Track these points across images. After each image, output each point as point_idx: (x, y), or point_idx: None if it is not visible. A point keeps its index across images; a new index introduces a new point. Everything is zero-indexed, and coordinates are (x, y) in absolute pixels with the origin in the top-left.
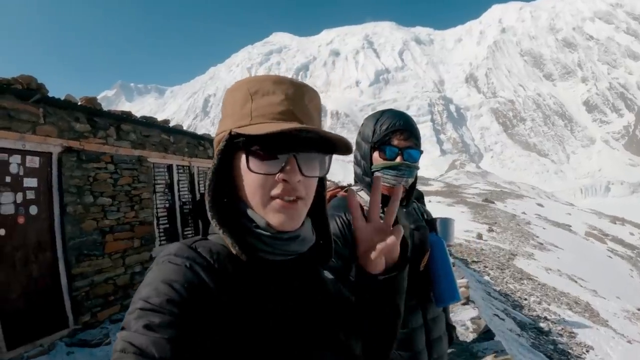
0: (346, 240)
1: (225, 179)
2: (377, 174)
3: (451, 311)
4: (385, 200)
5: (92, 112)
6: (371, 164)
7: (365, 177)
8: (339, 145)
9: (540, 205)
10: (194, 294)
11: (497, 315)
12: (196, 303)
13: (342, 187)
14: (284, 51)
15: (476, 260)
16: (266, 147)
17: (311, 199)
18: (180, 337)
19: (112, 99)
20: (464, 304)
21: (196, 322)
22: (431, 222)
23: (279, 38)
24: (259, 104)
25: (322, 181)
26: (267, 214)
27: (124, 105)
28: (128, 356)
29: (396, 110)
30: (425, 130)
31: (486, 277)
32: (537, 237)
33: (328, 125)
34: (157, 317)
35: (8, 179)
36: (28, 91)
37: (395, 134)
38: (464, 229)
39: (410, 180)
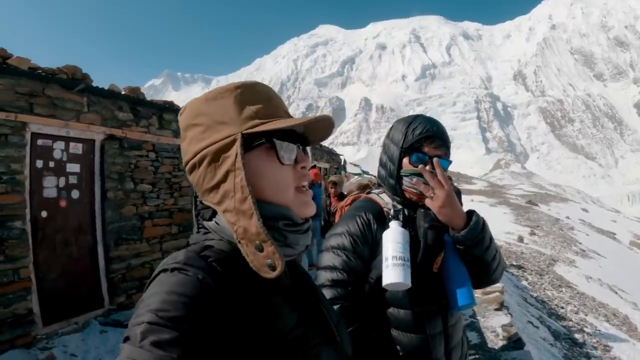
0: (365, 239)
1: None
2: (405, 179)
3: (483, 316)
4: (412, 205)
5: (135, 101)
6: (399, 167)
7: (390, 179)
8: (314, 138)
9: (585, 210)
10: (206, 309)
11: (532, 323)
12: (207, 318)
13: (363, 189)
14: (330, 43)
15: (515, 263)
16: (285, 140)
17: None
18: (190, 357)
19: (159, 88)
20: (496, 309)
21: (207, 339)
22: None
23: (325, 30)
24: (257, 107)
25: None
26: (295, 203)
27: (170, 94)
28: None
29: (429, 117)
30: (471, 128)
31: (524, 282)
32: (580, 243)
33: (373, 119)
34: (166, 334)
35: (52, 164)
36: (73, 81)
37: (426, 140)
38: (505, 230)
39: None
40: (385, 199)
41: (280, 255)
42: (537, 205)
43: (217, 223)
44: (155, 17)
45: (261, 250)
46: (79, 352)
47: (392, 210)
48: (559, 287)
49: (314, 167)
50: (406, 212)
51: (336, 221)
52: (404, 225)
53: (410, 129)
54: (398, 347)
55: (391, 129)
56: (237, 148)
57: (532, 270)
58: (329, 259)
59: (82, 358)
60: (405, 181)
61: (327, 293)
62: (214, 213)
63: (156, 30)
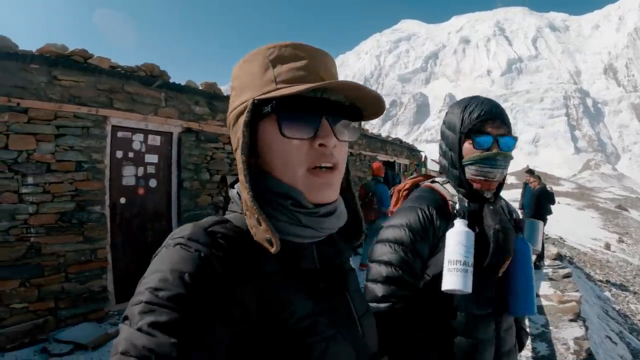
0: (426, 236)
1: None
2: (471, 167)
3: (555, 326)
4: (479, 196)
5: (211, 96)
6: (460, 155)
7: (453, 169)
8: (368, 110)
9: None
10: (206, 290)
11: (610, 338)
12: (208, 299)
13: (427, 177)
14: (412, 39)
15: (599, 272)
16: (298, 110)
17: (344, 169)
18: (189, 340)
19: None
20: (571, 320)
21: (208, 321)
22: (518, 223)
23: (408, 25)
24: (281, 69)
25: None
26: (305, 185)
27: None
28: None
29: (485, 97)
30: (559, 126)
31: (607, 293)
32: None
33: None
34: (164, 315)
35: (131, 154)
36: (151, 78)
37: (488, 121)
38: (592, 236)
39: (506, 172)
40: (450, 190)
41: (274, 234)
42: (627, 210)
43: (238, 193)
44: (240, 16)
45: (260, 224)
46: None
47: (457, 205)
48: None
49: (387, 163)
50: (471, 206)
51: (392, 205)
52: (469, 224)
53: (467, 112)
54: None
55: (447, 114)
56: (245, 115)
57: (617, 281)
58: (384, 252)
59: None
60: (470, 170)
61: (379, 290)
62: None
63: (241, 29)
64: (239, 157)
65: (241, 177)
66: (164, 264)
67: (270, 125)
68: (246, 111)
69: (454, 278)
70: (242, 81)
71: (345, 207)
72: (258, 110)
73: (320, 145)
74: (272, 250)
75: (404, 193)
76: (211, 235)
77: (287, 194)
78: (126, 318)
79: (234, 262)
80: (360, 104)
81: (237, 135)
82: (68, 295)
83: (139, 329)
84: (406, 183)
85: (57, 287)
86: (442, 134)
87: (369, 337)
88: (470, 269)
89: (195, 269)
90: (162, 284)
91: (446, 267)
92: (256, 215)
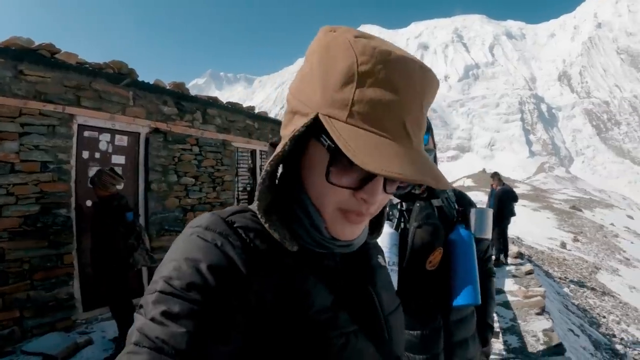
0: None
1: (288, 158)
2: None
3: (523, 320)
4: (411, 194)
5: (179, 96)
6: None
7: None
8: None
9: (630, 217)
10: (221, 279)
11: (572, 331)
12: (223, 290)
13: None
14: None
15: (557, 270)
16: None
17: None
18: (202, 330)
19: (202, 87)
20: (538, 313)
21: (222, 312)
22: (464, 213)
23: (367, 30)
24: (363, 95)
25: None
26: (330, 220)
27: (213, 93)
28: (143, 352)
29: None
30: (514, 130)
31: (565, 289)
32: (624, 251)
33: None
34: (177, 305)
35: (97, 155)
36: (119, 75)
37: None
38: (548, 236)
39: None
40: None
41: (282, 241)
42: (581, 210)
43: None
44: (199, 18)
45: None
46: None
47: (387, 208)
48: (602, 296)
49: None
50: (404, 206)
51: None
52: (398, 223)
53: None
54: None
55: None
56: (301, 123)
57: (574, 277)
58: None
59: (119, 343)
60: None
61: None
62: None
63: (200, 31)
64: (268, 161)
65: (259, 186)
66: (180, 252)
67: (321, 154)
68: (303, 121)
69: None
70: (315, 70)
71: None
72: (315, 127)
73: (362, 199)
74: (290, 249)
75: None
76: (229, 224)
77: (310, 215)
78: (141, 307)
79: (250, 251)
80: None
81: (287, 130)
82: (34, 304)
83: (152, 319)
84: None
85: (22, 295)
86: None
87: (395, 335)
88: (394, 268)
89: (210, 258)
90: (176, 273)
91: None
92: (267, 224)
